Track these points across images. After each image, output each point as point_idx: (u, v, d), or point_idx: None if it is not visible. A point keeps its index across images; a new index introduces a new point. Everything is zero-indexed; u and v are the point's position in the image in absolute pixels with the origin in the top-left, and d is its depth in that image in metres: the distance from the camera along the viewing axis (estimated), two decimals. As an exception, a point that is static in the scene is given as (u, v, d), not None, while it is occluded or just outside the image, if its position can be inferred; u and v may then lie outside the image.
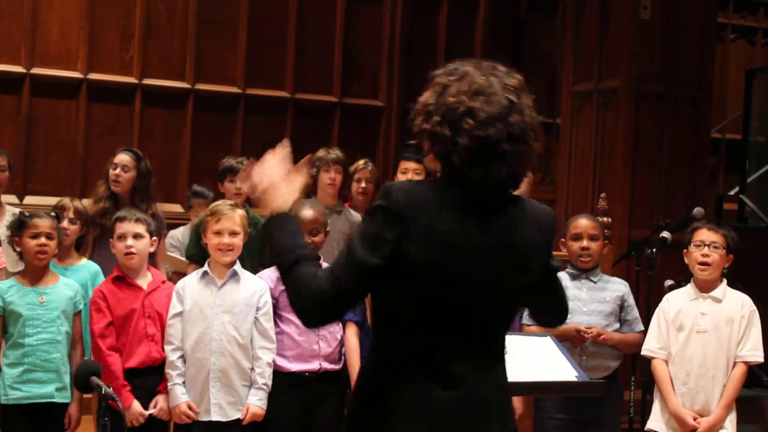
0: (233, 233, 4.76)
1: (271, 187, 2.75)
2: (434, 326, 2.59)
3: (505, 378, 2.73)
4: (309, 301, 2.58)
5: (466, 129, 2.56)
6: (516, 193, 2.73)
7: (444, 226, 2.55)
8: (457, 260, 2.56)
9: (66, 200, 5.52)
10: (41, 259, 4.74)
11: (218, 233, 4.76)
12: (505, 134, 2.57)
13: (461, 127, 2.56)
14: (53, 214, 5.02)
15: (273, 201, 2.73)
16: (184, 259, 6.04)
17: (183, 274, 5.34)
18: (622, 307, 5.18)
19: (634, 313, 5.20)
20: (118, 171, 6.02)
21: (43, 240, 4.72)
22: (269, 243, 2.72)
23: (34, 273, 4.77)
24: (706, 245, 4.88)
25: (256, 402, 4.74)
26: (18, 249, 4.81)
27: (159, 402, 4.69)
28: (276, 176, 2.77)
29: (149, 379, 4.69)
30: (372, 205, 2.62)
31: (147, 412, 4.65)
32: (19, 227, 4.78)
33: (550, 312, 2.98)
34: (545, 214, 2.76)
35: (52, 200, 6.25)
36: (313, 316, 2.64)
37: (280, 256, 2.64)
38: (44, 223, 4.76)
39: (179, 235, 6.48)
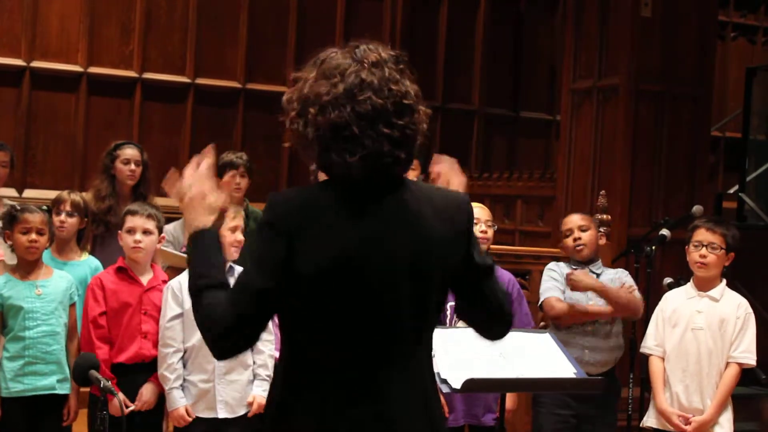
0: (240, 230, 4.80)
1: (198, 198, 2.55)
2: (343, 338, 2.39)
3: (433, 382, 2.55)
4: (211, 334, 2.40)
5: (310, 118, 2.39)
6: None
7: (333, 231, 2.35)
8: (353, 264, 2.36)
9: (63, 194, 5.50)
10: (32, 253, 4.73)
11: (234, 230, 4.77)
12: (353, 115, 2.35)
13: (307, 117, 2.39)
14: (44, 207, 5.00)
15: (198, 214, 2.55)
16: (177, 252, 6.04)
17: (176, 269, 5.33)
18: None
19: (631, 286, 5.23)
20: (132, 167, 6.00)
21: (33, 236, 4.70)
22: (188, 262, 2.53)
23: (26, 267, 4.76)
24: (704, 246, 4.89)
25: (262, 393, 4.72)
26: (9, 242, 4.80)
27: (143, 395, 4.64)
28: (205, 187, 2.56)
29: (138, 375, 4.65)
30: (259, 221, 2.43)
31: (130, 408, 4.59)
32: (9, 221, 4.76)
33: (483, 319, 2.63)
34: (455, 201, 2.53)
35: (51, 193, 6.25)
36: (219, 348, 2.43)
37: (191, 280, 2.48)
38: (35, 219, 4.73)
39: (172, 229, 6.46)
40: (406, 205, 2.43)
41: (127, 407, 4.55)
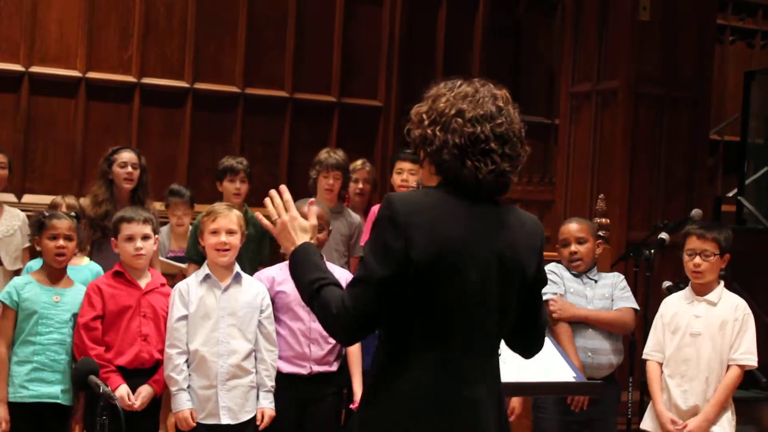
0: (230, 232, 4.73)
1: (289, 221, 2.93)
2: (439, 327, 2.71)
3: (500, 377, 2.86)
4: (337, 326, 2.74)
5: (456, 127, 2.75)
6: None
7: (443, 232, 2.69)
8: (458, 264, 2.70)
9: (57, 198, 5.50)
10: (60, 261, 4.75)
11: (215, 232, 4.73)
12: (492, 134, 2.75)
13: (451, 126, 2.76)
14: (73, 214, 5.02)
15: (293, 235, 2.91)
16: (164, 259, 6.05)
17: (166, 275, 5.34)
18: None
19: (624, 293, 5.24)
20: (130, 169, 6.01)
21: (61, 242, 4.73)
22: (293, 278, 2.86)
23: (51, 273, 4.77)
24: (697, 254, 4.89)
25: (268, 405, 4.74)
26: (38, 248, 4.83)
27: (142, 393, 4.64)
28: (292, 213, 2.94)
29: (136, 381, 4.64)
30: (376, 218, 2.75)
31: (133, 404, 4.58)
32: (38, 228, 4.79)
33: (525, 334, 2.95)
34: (532, 221, 2.90)
35: (50, 199, 6.25)
36: (346, 338, 2.83)
37: (305, 290, 2.80)
38: (63, 225, 4.76)
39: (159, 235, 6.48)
40: (500, 216, 2.80)
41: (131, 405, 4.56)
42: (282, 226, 2.93)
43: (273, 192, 2.99)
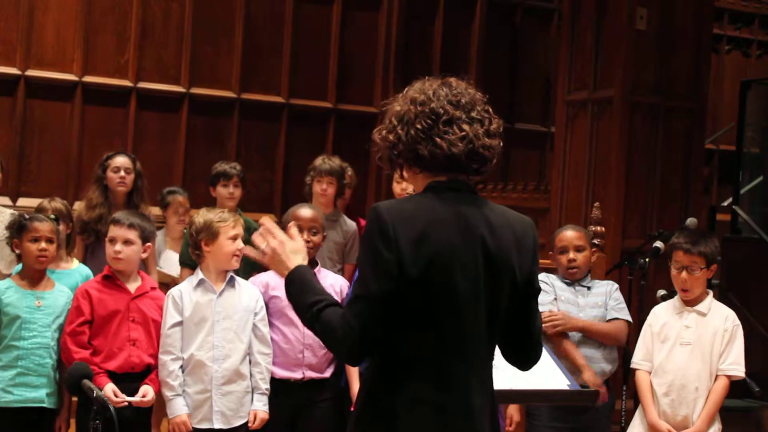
0: (241, 239, 4.76)
1: (280, 247, 2.85)
2: (432, 337, 2.68)
3: (493, 385, 2.82)
4: (341, 347, 2.69)
5: (412, 115, 2.74)
6: None
7: (432, 241, 2.65)
8: (448, 272, 2.66)
9: (44, 202, 5.49)
10: (41, 263, 4.73)
11: (234, 238, 4.74)
12: (450, 103, 2.73)
13: (408, 117, 2.74)
14: (53, 216, 4.99)
15: (286, 259, 2.84)
16: (161, 269, 6.04)
17: (162, 284, 5.32)
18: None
19: (618, 304, 5.23)
20: (123, 174, 6.01)
21: (43, 245, 4.70)
22: (290, 300, 2.82)
23: (32, 276, 4.74)
24: (684, 268, 4.89)
25: (262, 407, 4.74)
26: (17, 251, 4.79)
27: (148, 392, 4.60)
28: (280, 238, 2.88)
29: (127, 385, 4.60)
30: (365, 231, 2.70)
31: (130, 399, 4.54)
32: (18, 230, 4.75)
33: (519, 344, 2.88)
34: (522, 220, 2.85)
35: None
36: (351, 358, 2.81)
37: (304, 312, 2.74)
38: (44, 227, 4.73)
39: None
40: (487, 217, 2.75)
41: (123, 400, 4.52)
42: (273, 252, 2.86)
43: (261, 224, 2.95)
